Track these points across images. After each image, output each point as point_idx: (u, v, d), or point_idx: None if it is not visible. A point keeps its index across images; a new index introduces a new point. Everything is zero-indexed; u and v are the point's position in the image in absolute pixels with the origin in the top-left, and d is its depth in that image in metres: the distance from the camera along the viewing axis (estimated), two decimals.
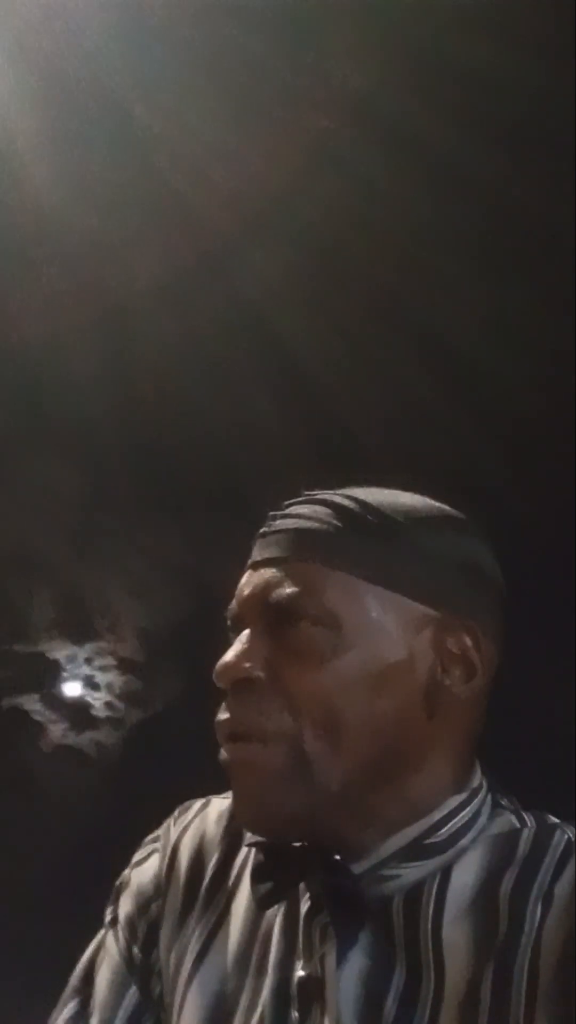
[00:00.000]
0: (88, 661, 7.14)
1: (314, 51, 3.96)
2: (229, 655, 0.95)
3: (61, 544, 6.02)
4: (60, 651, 7.04)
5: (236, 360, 4.61)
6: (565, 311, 4.20)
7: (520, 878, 0.90)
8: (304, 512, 0.98)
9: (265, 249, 4.38)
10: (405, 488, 1.02)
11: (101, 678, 7.16)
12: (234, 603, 0.99)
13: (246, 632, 0.96)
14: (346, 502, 0.97)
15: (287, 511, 0.99)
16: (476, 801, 0.96)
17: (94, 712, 7.17)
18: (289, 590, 0.94)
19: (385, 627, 0.94)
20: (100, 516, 5.76)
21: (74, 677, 7.16)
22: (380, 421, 4.54)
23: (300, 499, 1.01)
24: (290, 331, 4.43)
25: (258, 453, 4.66)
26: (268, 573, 0.96)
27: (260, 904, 0.96)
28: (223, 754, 0.95)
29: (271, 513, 1.01)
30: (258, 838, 0.98)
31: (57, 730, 7.03)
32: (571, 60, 3.69)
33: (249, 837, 1.00)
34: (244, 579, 0.99)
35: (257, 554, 0.99)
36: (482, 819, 0.95)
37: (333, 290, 4.53)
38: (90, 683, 7.21)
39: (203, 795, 1.13)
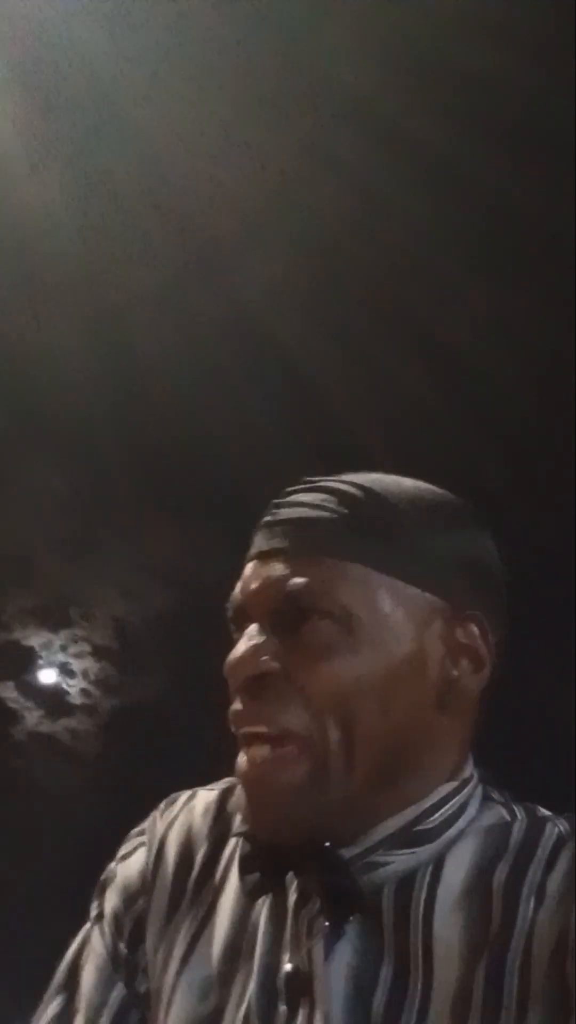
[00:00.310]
0: (63, 648, 7.12)
1: (311, 51, 3.93)
2: (241, 650, 0.92)
3: (37, 534, 5.99)
4: (35, 639, 7.01)
5: (233, 361, 4.59)
6: (565, 312, 4.20)
7: (512, 871, 0.90)
8: (310, 501, 0.96)
9: (263, 250, 4.35)
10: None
11: (76, 665, 7.15)
12: (239, 595, 0.97)
13: (255, 626, 0.93)
14: (352, 490, 0.96)
15: (291, 499, 0.97)
16: (466, 791, 0.96)
17: (70, 699, 7.15)
18: (302, 584, 0.92)
19: (398, 620, 0.93)
20: (79, 509, 5.74)
21: (49, 664, 7.14)
22: (379, 422, 4.53)
23: (303, 487, 0.99)
24: (288, 332, 4.41)
25: (251, 449, 4.64)
26: (278, 565, 0.94)
27: (249, 895, 0.95)
28: (241, 760, 0.93)
29: (275, 501, 0.99)
30: (245, 828, 0.97)
31: (32, 717, 7.01)
32: (571, 61, 3.68)
33: (237, 827, 1.00)
34: (249, 571, 0.97)
35: (263, 544, 0.96)
36: (471, 810, 0.95)
37: (331, 291, 4.51)
38: (65, 670, 7.19)
39: (178, 781, 1.13)
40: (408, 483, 0.99)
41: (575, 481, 4.18)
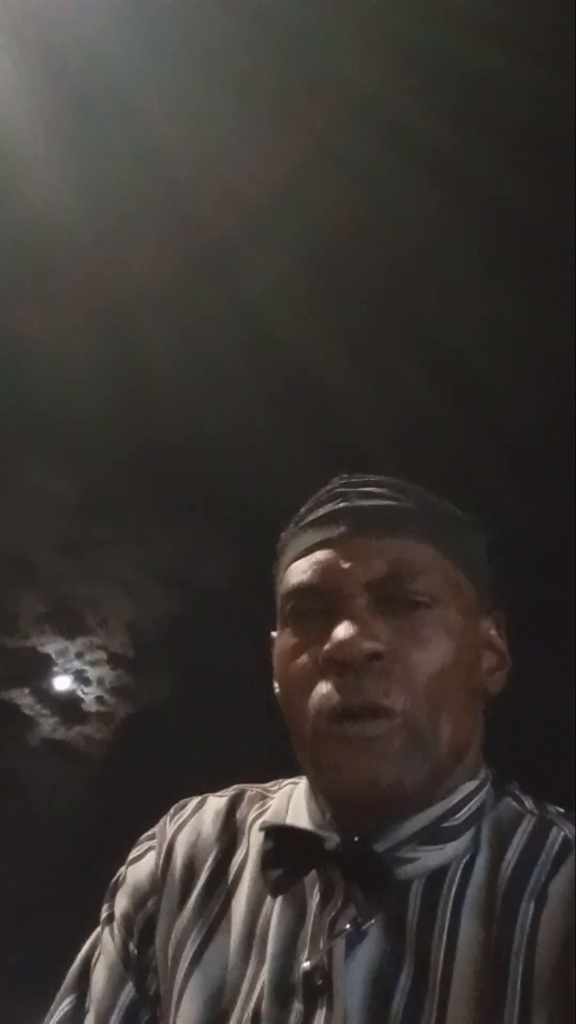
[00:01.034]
0: (79, 656, 7.15)
1: (316, 49, 3.95)
2: (349, 630, 0.90)
3: (53, 541, 6.02)
4: (51, 645, 7.04)
5: (237, 362, 4.60)
6: (566, 314, 4.20)
7: (515, 873, 0.90)
8: (381, 491, 0.98)
9: (265, 249, 4.36)
10: None
11: (92, 672, 7.17)
12: (317, 579, 0.95)
13: (352, 607, 0.92)
14: (408, 484, 0.99)
15: (358, 491, 0.98)
16: (486, 789, 0.98)
17: (85, 706, 7.17)
18: (401, 562, 0.93)
19: (466, 608, 0.96)
20: (93, 515, 5.76)
21: (65, 671, 7.17)
22: (382, 423, 4.53)
23: (358, 479, 1.00)
24: (291, 332, 4.42)
25: (255, 456, 4.65)
26: (369, 547, 0.94)
27: (273, 891, 0.96)
28: (329, 729, 0.91)
29: (337, 490, 0.99)
30: (274, 821, 1.00)
31: (47, 724, 7.04)
32: (572, 63, 3.69)
33: (264, 821, 1.01)
34: (325, 556, 0.96)
35: (340, 529, 0.96)
36: (489, 805, 0.97)
37: (334, 291, 4.51)
38: (81, 677, 7.22)
39: (191, 787, 1.13)
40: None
41: (575, 482, 4.17)
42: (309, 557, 0.96)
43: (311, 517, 0.99)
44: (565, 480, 4.23)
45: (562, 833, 0.93)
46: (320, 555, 0.96)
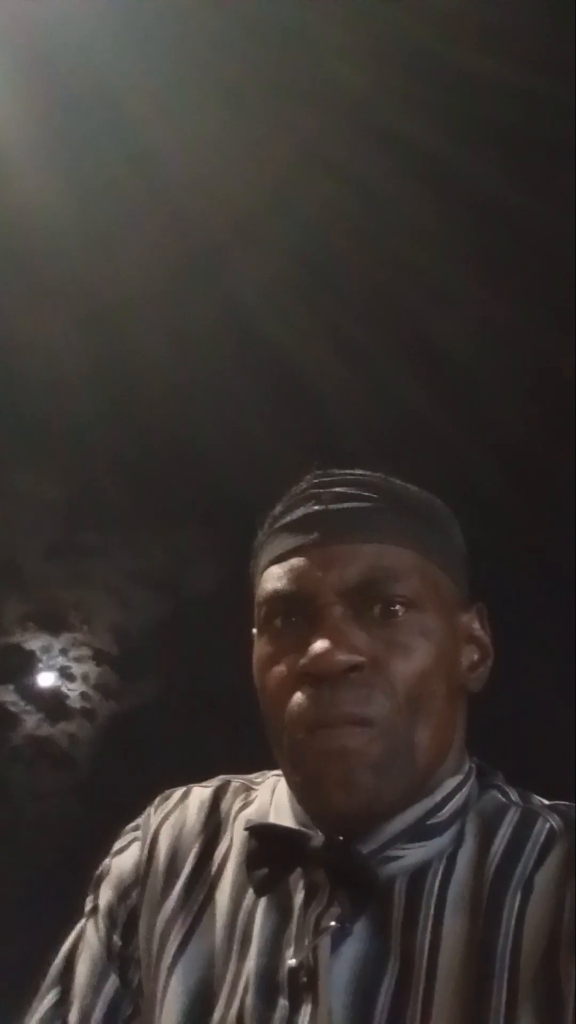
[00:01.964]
0: (63, 652, 7.13)
1: (308, 52, 3.94)
2: (325, 643, 0.89)
3: (39, 540, 6.01)
4: (35, 642, 7.02)
5: (228, 365, 4.58)
6: (564, 316, 4.20)
7: (501, 865, 0.90)
8: (353, 493, 0.95)
9: (256, 252, 4.35)
10: None
11: (76, 669, 7.15)
12: (292, 587, 0.94)
13: (337, 614, 0.91)
14: (383, 482, 0.97)
15: (329, 492, 0.96)
16: (471, 782, 0.98)
17: (69, 703, 7.15)
18: (377, 568, 0.92)
19: (446, 608, 0.95)
20: (81, 518, 5.74)
21: (49, 668, 7.14)
22: (374, 430, 4.51)
23: (330, 479, 0.98)
24: (281, 338, 4.40)
25: (246, 454, 4.63)
26: (344, 553, 0.92)
27: (257, 890, 0.95)
28: (305, 740, 0.90)
29: (311, 491, 0.98)
30: (258, 820, 0.99)
31: (32, 721, 7.02)
32: (571, 63, 3.68)
33: (248, 820, 1.01)
34: (299, 563, 0.94)
35: (314, 535, 0.94)
36: (473, 799, 0.97)
37: (325, 296, 4.50)
38: (65, 674, 7.20)
39: (175, 783, 1.13)
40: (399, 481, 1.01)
41: (575, 483, 4.18)
42: (284, 563, 0.95)
43: (285, 520, 0.98)
44: (565, 479, 4.23)
45: (548, 824, 0.93)
46: (295, 562, 0.94)
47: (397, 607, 0.92)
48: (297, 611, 0.93)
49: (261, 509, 1.02)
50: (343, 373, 4.54)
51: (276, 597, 0.95)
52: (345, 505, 0.95)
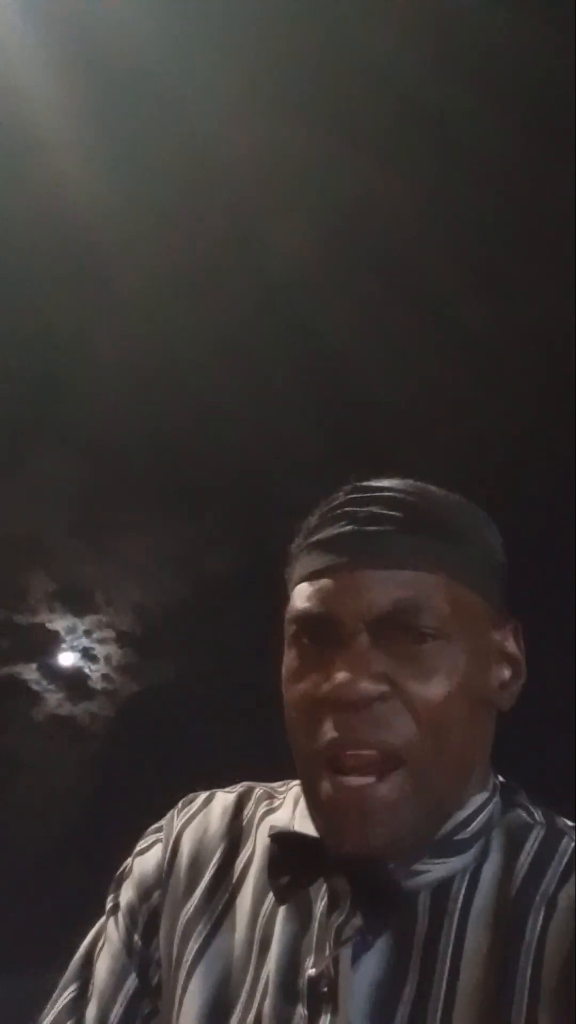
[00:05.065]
0: (87, 633, 7.17)
1: (332, 22, 3.91)
2: (348, 671, 0.88)
3: (65, 522, 6.04)
4: (60, 622, 7.07)
5: (250, 349, 4.57)
6: None
7: (525, 883, 0.90)
8: (384, 513, 0.94)
9: (285, 232, 4.33)
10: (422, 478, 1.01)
11: (100, 650, 7.19)
12: (322, 609, 0.93)
13: (353, 643, 0.90)
14: (416, 501, 0.95)
15: (361, 511, 0.94)
16: (496, 799, 0.98)
17: (91, 684, 7.20)
18: (405, 597, 0.90)
19: (475, 630, 0.94)
20: (106, 496, 5.76)
21: (73, 648, 7.19)
22: (397, 415, 4.48)
23: (362, 496, 0.96)
24: (308, 322, 4.38)
25: (269, 443, 4.62)
26: (372, 579, 0.91)
27: (279, 898, 0.96)
28: (326, 786, 0.90)
29: (338, 513, 0.96)
30: (282, 827, 0.99)
31: (53, 700, 7.07)
32: None
33: (272, 827, 1.01)
34: (328, 585, 0.93)
35: (343, 558, 0.93)
36: (497, 816, 0.97)
37: (352, 280, 4.47)
38: (88, 655, 7.24)
39: (192, 767, 1.14)
40: (434, 488, 1.00)
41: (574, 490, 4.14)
42: (315, 583, 0.94)
43: (318, 536, 0.96)
44: (566, 478, 4.20)
45: (573, 843, 0.93)
46: (325, 583, 0.93)
47: (426, 635, 0.91)
48: (324, 633, 0.93)
49: (284, 496, 1.01)
50: (366, 358, 4.51)
51: (305, 616, 0.94)
52: (377, 528, 0.93)
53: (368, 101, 4.05)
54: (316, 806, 0.93)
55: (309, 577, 0.95)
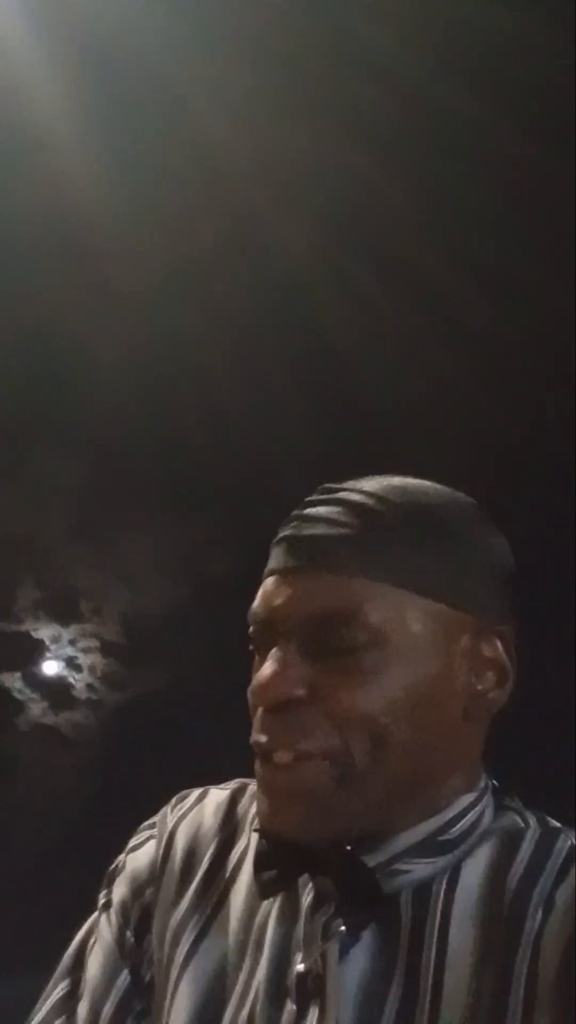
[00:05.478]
0: (72, 642, 7.14)
1: (335, 23, 3.93)
2: (267, 672, 0.91)
3: (52, 528, 6.02)
4: (45, 631, 7.04)
5: (252, 351, 4.58)
6: None
7: (522, 881, 0.90)
8: (332, 516, 0.93)
9: (289, 229, 4.33)
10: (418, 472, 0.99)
11: (84, 660, 7.17)
12: (262, 610, 0.95)
13: (282, 647, 0.92)
14: (374, 503, 0.94)
15: (312, 513, 0.95)
16: (484, 800, 0.97)
17: (75, 693, 7.18)
18: (334, 605, 0.91)
19: (427, 638, 0.92)
20: (105, 497, 5.75)
21: (57, 657, 7.16)
22: (399, 418, 4.48)
23: (321, 498, 0.96)
24: (309, 322, 4.39)
25: (270, 442, 4.62)
26: (305, 583, 0.92)
27: (263, 892, 0.96)
28: (259, 771, 0.93)
29: (295, 514, 0.96)
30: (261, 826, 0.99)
31: (37, 709, 7.04)
32: None
33: (257, 824, 0.99)
34: (271, 586, 0.95)
35: (287, 560, 0.94)
36: (487, 818, 0.96)
37: (355, 281, 4.47)
38: (72, 664, 7.22)
39: (177, 778, 1.15)
40: (425, 488, 0.98)
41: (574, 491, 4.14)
42: (264, 583, 0.96)
43: (277, 537, 0.97)
44: (565, 478, 4.21)
45: (568, 842, 0.93)
46: (268, 584, 0.95)
47: (356, 643, 0.90)
48: (262, 634, 0.95)
49: (280, 501, 1.02)
50: (366, 360, 4.51)
51: (251, 618, 0.96)
52: (324, 532, 0.92)
53: (370, 102, 4.07)
54: (258, 792, 0.94)
55: (264, 576, 0.97)
